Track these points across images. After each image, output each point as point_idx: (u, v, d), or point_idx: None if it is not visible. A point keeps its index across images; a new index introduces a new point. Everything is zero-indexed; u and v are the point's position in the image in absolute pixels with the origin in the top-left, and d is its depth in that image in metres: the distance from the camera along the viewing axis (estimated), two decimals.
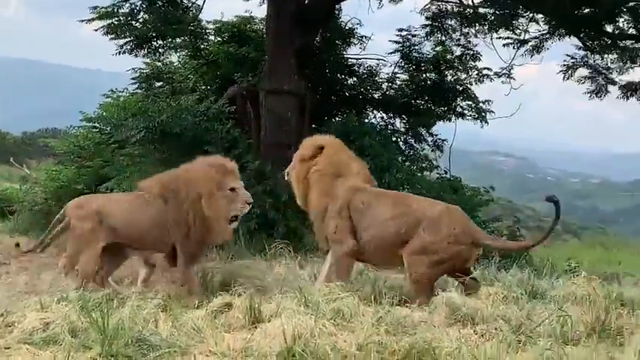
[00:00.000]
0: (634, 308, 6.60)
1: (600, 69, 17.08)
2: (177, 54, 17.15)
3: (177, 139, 13.57)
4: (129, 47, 14.79)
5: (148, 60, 16.55)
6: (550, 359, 4.61)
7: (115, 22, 14.17)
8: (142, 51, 15.18)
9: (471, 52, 16.96)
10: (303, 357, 4.56)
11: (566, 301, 6.15)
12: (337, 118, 16.28)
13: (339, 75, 16.85)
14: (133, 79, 16.84)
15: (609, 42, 16.09)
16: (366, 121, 16.31)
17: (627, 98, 17.61)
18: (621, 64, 16.89)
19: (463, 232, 7.50)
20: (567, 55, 17.15)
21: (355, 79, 16.99)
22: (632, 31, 15.99)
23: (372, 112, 17.05)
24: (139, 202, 8.08)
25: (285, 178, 8.63)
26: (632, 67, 17.15)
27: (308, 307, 5.98)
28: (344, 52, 17.04)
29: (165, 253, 8.05)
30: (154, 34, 14.69)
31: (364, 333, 4.90)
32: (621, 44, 16.32)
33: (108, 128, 15.68)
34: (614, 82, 17.45)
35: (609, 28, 16.01)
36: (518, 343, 5.07)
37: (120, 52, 14.81)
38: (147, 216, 7.98)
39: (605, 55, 16.79)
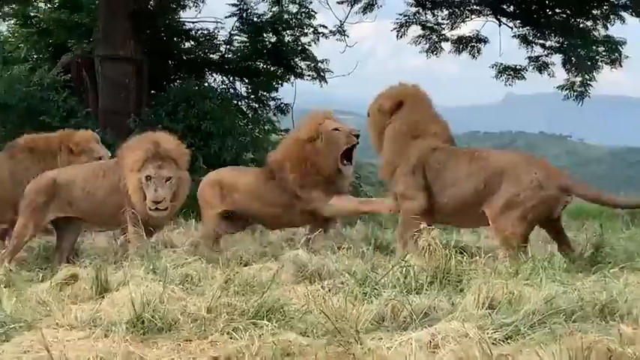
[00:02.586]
0: (472, 255, 6.87)
1: (432, 25, 17.53)
2: (6, 23, 16.50)
3: (11, 111, 13.11)
4: None
5: None
6: (395, 308, 4.74)
7: None
8: None
9: (306, 10, 17.04)
10: (152, 323, 4.53)
11: (408, 251, 6.30)
12: (176, 83, 16.09)
13: (175, 39, 16.65)
14: None
15: None
16: (206, 85, 16.18)
17: (459, 53, 18.19)
18: (452, 19, 17.41)
19: (546, 177, 7.11)
20: (400, 14, 17.52)
21: (193, 42, 16.81)
22: None
23: (212, 76, 16.96)
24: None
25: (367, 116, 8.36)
26: (464, 22, 17.71)
27: (156, 273, 5.93)
28: (180, 16, 16.82)
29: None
30: None
31: (213, 295, 4.89)
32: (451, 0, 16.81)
33: None
34: (446, 39, 17.96)
35: None
36: (364, 295, 5.17)
37: None
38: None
39: (437, 12, 17.26)
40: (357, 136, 8.31)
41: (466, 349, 3.77)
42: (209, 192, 8.84)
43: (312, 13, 17.12)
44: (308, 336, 4.30)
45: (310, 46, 17.11)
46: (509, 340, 4.21)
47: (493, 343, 4.03)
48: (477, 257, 6.33)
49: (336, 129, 8.33)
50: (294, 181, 8.37)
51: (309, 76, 17.21)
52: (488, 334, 4.16)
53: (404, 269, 5.64)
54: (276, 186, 8.52)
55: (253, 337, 4.06)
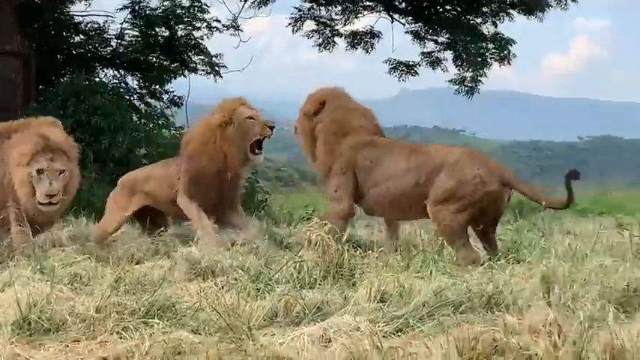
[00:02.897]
0: (365, 249, 6.93)
1: (326, 21, 17.62)
2: None
3: None
4: None
5: None
6: (288, 304, 4.74)
7: None
8: None
9: (199, 3, 16.90)
10: (39, 324, 4.41)
11: (302, 247, 6.31)
12: (66, 78, 15.75)
13: (64, 33, 16.28)
14: None
15: None
16: (97, 79, 15.89)
17: (354, 48, 18.33)
18: (345, 14, 17.54)
19: (489, 172, 7.15)
20: (295, 7, 17.54)
21: (83, 36, 16.48)
22: None
23: (103, 70, 16.66)
24: None
25: (294, 133, 8.36)
26: (357, 18, 17.86)
27: (43, 273, 5.78)
28: (68, 9, 16.46)
29: None
30: None
31: (103, 295, 4.80)
32: None
33: None
34: (340, 34, 18.08)
35: None
36: (257, 291, 5.16)
37: None
38: None
39: (331, 7, 17.35)
40: (272, 128, 8.23)
41: (357, 343, 3.80)
42: (120, 193, 8.76)
43: (206, 7, 17.00)
44: (200, 334, 4.26)
45: (204, 40, 17.00)
46: (399, 333, 4.27)
47: (384, 336, 4.08)
48: (370, 251, 6.40)
49: (251, 117, 8.24)
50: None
51: (202, 70, 17.10)
52: (379, 327, 4.21)
53: (298, 264, 5.66)
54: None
55: (144, 337, 4.01)
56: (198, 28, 17.00)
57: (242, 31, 17.36)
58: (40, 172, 7.19)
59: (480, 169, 7.13)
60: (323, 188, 8.15)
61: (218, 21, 17.23)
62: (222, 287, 5.47)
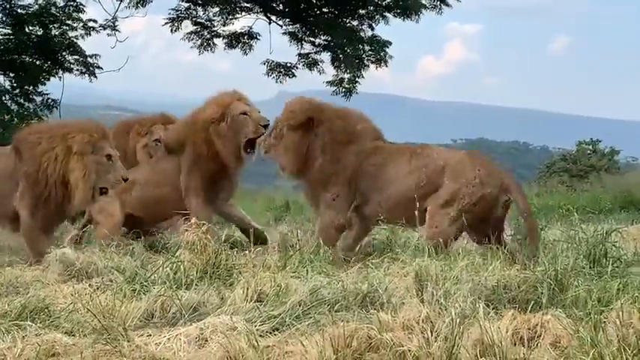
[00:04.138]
0: (243, 249, 6.97)
1: (204, 21, 17.57)
2: None
3: None
4: None
5: None
6: (164, 304, 4.73)
7: None
8: None
9: (75, 3, 16.60)
10: None
11: (179, 247, 6.29)
12: None
13: None
14: None
15: None
16: None
17: (232, 48, 18.33)
18: (224, 15, 17.52)
19: (489, 174, 7.02)
20: (172, 9, 17.44)
21: None
22: None
23: None
24: None
25: (264, 154, 7.75)
26: (235, 18, 17.87)
27: None
28: None
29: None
30: None
31: None
32: None
33: None
34: (218, 35, 18.05)
35: None
36: (133, 292, 5.13)
37: None
38: None
39: (209, 8, 17.31)
40: (266, 127, 7.85)
41: (233, 342, 3.85)
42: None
43: (81, 6, 16.70)
44: (74, 335, 4.22)
45: (79, 40, 16.70)
46: (276, 332, 4.33)
47: (260, 335, 4.14)
48: (247, 251, 6.45)
49: (245, 113, 7.93)
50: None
51: (77, 70, 16.79)
52: (256, 326, 4.27)
53: (174, 265, 5.65)
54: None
55: (16, 339, 3.95)
56: (74, 28, 16.68)
57: (119, 31, 17.13)
58: (109, 157, 7.07)
59: (481, 170, 7.04)
60: (315, 198, 7.59)
61: (94, 21, 16.96)
62: (97, 288, 5.42)
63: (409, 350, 3.72)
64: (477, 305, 4.49)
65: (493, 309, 4.76)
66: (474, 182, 6.97)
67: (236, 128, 7.92)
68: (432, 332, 3.84)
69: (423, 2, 17.55)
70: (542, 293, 4.99)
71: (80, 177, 6.98)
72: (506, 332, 4.01)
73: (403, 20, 17.89)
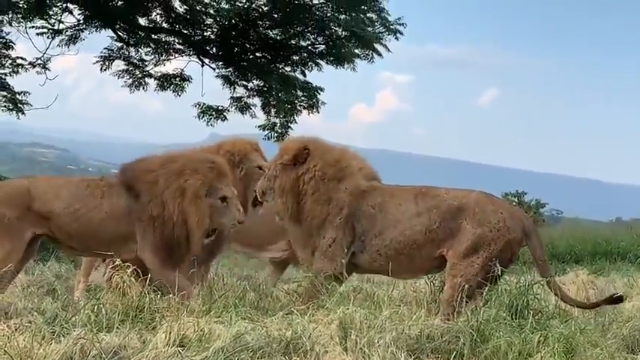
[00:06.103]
0: (166, 293, 6.91)
1: (136, 61, 17.53)
2: None
3: None
4: None
5: None
6: (84, 347, 4.65)
7: None
8: None
9: (4, 40, 16.43)
10: None
11: (102, 290, 6.21)
12: None
13: None
14: None
15: (143, 35, 16.56)
16: None
17: (164, 89, 18.29)
18: (156, 56, 17.50)
19: (511, 217, 6.49)
20: (105, 48, 17.37)
21: None
22: (165, 24, 16.64)
23: None
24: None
25: (260, 199, 7.25)
26: (168, 60, 17.87)
27: None
28: None
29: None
30: None
31: None
32: (155, 37, 16.90)
33: None
34: (150, 75, 18.02)
35: (143, 22, 16.49)
36: (52, 334, 5.03)
37: None
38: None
39: (141, 48, 17.27)
40: None
41: None
42: None
43: (11, 43, 16.52)
44: None
45: (7, 77, 16.48)
46: None
47: None
48: (171, 295, 6.38)
49: (260, 167, 7.51)
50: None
51: (4, 107, 16.56)
52: None
53: (96, 307, 5.56)
54: None
55: None
56: (2, 65, 16.48)
57: (49, 69, 16.95)
58: (224, 199, 6.72)
59: (504, 213, 6.51)
60: (308, 243, 6.96)
61: (23, 59, 16.78)
62: (16, 330, 5.29)
63: None
64: (399, 355, 4.51)
65: (415, 358, 4.79)
66: (498, 226, 6.42)
67: (251, 179, 7.54)
68: None
69: (356, 52, 17.74)
70: (463, 344, 5.04)
71: (194, 223, 6.64)
72: None
73: (336, 68, 18.09)
